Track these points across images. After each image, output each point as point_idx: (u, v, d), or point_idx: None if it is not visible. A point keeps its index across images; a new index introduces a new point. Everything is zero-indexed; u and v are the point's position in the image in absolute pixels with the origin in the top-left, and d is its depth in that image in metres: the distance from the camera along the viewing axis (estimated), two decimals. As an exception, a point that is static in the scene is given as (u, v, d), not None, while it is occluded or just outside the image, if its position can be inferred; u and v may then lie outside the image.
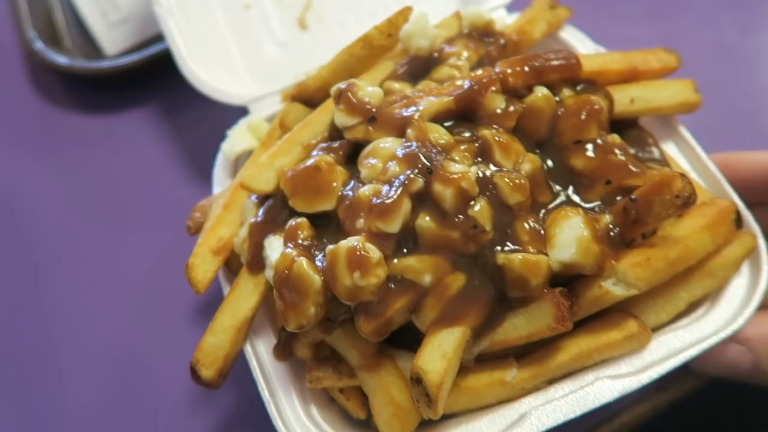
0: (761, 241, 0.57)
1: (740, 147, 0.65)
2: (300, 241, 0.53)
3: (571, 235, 0.51)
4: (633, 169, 0.56)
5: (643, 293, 0.53)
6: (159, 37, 0.85)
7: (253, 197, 0.59)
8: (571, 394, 0.52)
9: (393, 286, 0.51)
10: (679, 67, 0.64)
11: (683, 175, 0.51)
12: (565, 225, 0.52)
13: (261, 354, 0.58)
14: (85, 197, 0.78)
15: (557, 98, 0.59)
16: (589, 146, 0.57)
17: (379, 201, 0.52)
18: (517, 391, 0.54)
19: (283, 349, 0.57)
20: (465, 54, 0.63)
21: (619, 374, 0.53)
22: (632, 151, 0.61)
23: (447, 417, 0.54)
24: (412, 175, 0.52)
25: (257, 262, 0.56)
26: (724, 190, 0.60)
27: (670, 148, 0.64)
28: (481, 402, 0.54)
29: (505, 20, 0.70)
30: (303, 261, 0.51)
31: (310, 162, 0.56)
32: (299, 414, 0.55)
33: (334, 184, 0.55)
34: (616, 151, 0.56)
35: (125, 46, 0.90)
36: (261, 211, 0.58)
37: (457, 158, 0.54)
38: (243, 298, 0.55)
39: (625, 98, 0.61)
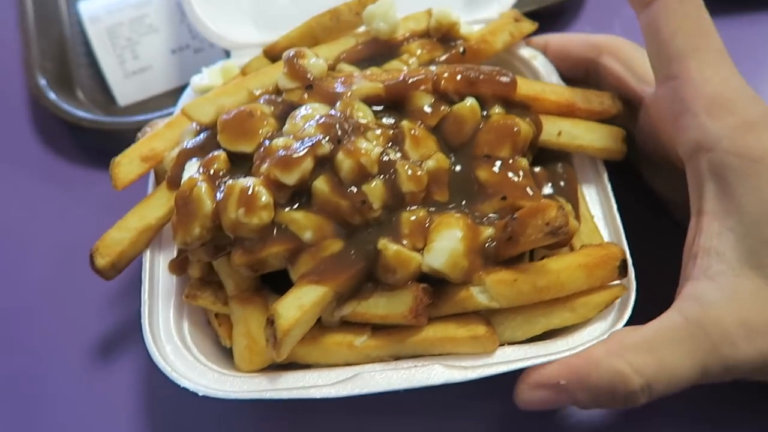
0: (632, 294, 0.59)
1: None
2: (212, 170, 0.59)
3: (445, 246, 0.55)
4: (528, 191, 0.59)
5: (506, 308, 0.57)
6: (174, 92, 0.85)
7: (194, 125, 0.65)
8: (404, 370, 0.56)
9: (275, 231, 0.57)
10: (617, 115, 0.67)
11: (561, 207, 0.54)
12: (444, 233, 0.56)
13: (157, 263, 0.63)
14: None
15: (485, 112, 0.63)
16: (498, 162, 0.60)
17: (284, 153, 0.57)
18: (363, 356, 0.58)
19: (179, 264, 0.62)
20: (418, 52, 0.67)
21: (452, 365, 0.56)
22: (550, 184, 0.64)
23: (301, 367, 0.59)
24: (321, 139, 0.57)
25: (176, 180, 0.62)
26: (622, 243, 0.62)
27: (590, 193, 0.66)
28: (329, 359, 0.59)
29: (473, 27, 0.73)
30: (203, 186, 0.57)
31: (246, 107, 0.62)
32: (169, 323, 0.60)
33: (260, 131, 0.60)
34: (519, 172, 0.60)
35: (138, 98, 0.88)
36: (195, 138, 0.64)
37: (370, 138, 0.59)
38: (153, 207, 0.61)
39: (554, 129, 0.64)
